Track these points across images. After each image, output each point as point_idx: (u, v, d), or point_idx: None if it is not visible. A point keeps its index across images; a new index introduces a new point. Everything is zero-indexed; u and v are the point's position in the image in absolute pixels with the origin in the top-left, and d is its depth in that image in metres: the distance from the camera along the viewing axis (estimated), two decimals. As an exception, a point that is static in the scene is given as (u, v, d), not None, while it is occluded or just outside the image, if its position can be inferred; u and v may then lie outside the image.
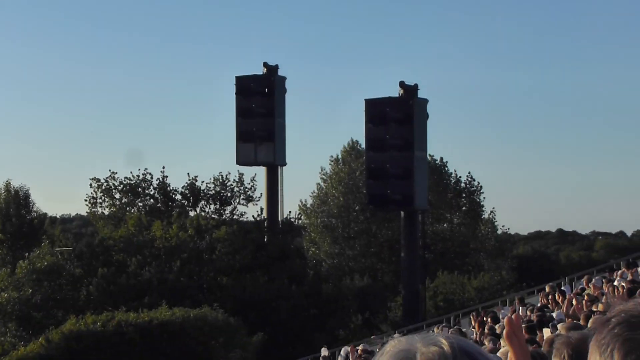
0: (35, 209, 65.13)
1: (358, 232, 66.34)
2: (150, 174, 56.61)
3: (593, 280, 25.12)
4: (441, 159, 67.87)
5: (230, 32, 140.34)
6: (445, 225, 68.20)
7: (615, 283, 22.79)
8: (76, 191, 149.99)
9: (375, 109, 48.31)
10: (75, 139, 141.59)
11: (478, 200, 68.66)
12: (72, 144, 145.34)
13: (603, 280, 24.61)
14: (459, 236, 66.85)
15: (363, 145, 57.82)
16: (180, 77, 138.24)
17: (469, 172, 68.86)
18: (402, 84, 48.26)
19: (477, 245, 67.58)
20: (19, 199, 63.54)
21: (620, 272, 25.92)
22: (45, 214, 66.53)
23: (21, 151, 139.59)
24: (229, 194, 56.28)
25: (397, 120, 48.02)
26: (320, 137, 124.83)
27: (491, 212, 69.70)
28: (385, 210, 56.87)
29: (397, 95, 48.57)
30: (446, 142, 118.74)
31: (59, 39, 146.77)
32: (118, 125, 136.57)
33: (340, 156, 69.08)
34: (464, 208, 68.41)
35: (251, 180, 56.52)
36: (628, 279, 22.54)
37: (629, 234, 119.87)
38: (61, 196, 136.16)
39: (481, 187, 68.45)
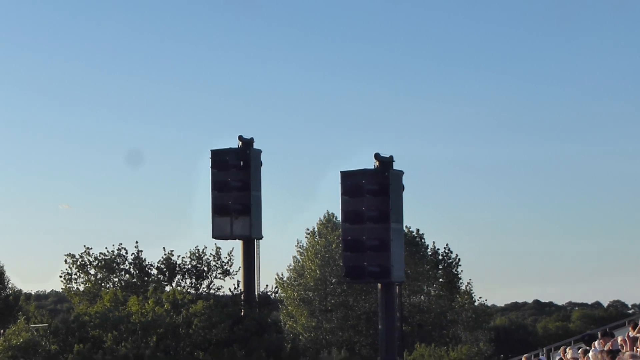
0: (10, 285, 64.93)
1: (335, 304, 66.38)
2: (125, 249, 56.48)
3: (570, 351, 25.36)
4: (417, 230, 68.39)
5: (206, 106, 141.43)
6: (422, 297, 68.36)
7: (591, 354, 23.06)
8: (51, 268, 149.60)
9: (351, 181, 48.32)
10: (51, 215, 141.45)
11: (455, 272, 68.95)
12: (47, 220, 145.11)
13: (579, 351, 24.86)
14: (436, 308, 66.98)
15: (339, 218, 58.17)
16: (156, 152, 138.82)
17: (447, 244, 69.32)
18: (377, 156, 48.29)
19: (454, 317, 67.70)
20: None
21: (596, 342, 26.18)
22: (20, 290, 66.33)
23: None
24: (205, 268, 55.99)
25: (372, 192, 48.00)
26: (296, 210, 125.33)
27: (468, 283, 70.12)
28: (362, 283, 57.13)
29: (373, 167, 48.90)
30: (423, 214, 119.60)
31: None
32: (94, 201, 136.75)
33: (316, 229, 69.32)
34: (441, 280, 68.67)
35: (228, 254, 56.23)
36: (605, 349, 22.80)
37: (605, 304, 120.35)
38: (36, 273, 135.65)
39: (459, 259, 68.90)
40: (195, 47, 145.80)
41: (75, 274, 56.83)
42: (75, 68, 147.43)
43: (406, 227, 63.04)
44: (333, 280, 66.39)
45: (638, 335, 20.44)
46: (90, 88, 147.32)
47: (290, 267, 69.31)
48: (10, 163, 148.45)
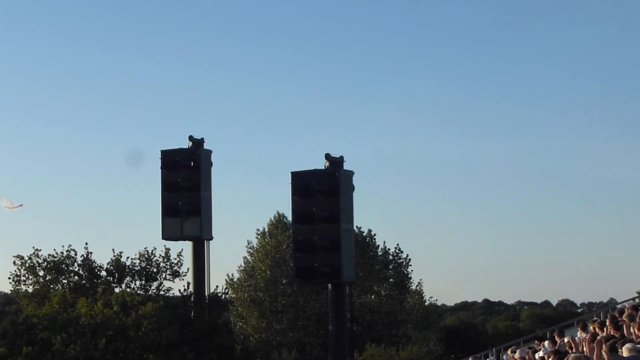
0: (-45, 287, 64.35)
1: (285, 305, 66.57)
2: (74, 250, 56.33)
3: (518, 351, 25.89)
4: (369, 231, 68.79)
5: (156, 106, 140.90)
6: (372, 297, 68.79)
7: (540, 354, 23.60)
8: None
9: (301, 182, 48.98)
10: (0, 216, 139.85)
11: (405, 272, 69.43)
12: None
13: (528, 351, 25.41)
14: (387, 308, 67.46)
15: (289, 218, 58.38)
16: (105, 151, 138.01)
17: (397, 244, 69.75)
18: (327, 156, 49.01)
19: (404, 317, 68.21)
20: None
21: (545, 342, 26.74)
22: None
23: None
24: (154, 270, 55.92)
25: (323, 192, 48.64)
26: (246, 211, 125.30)
27: (418, 283, 70.71)
28: (313, 283, 57.27)
29: (323, 168, 49.40)
30: (373, 214, 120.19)
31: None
32: (43, 200, 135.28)
33: (266, 229, 69.42)
34: (391, 280, 69.11)
35: (177, 255, 56.24)
36: (553, 349, 23.30)
37: (554, 303, 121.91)
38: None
39: (409, 259, 69.40)
40: (145, 44, 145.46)
41: (24, 276, 56.63)
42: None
43: (357, 227, 63.37)
44: (284, 281, 66.54)
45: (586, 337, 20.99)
46: (37, 83, 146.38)
47: (241, 268, 69.35)
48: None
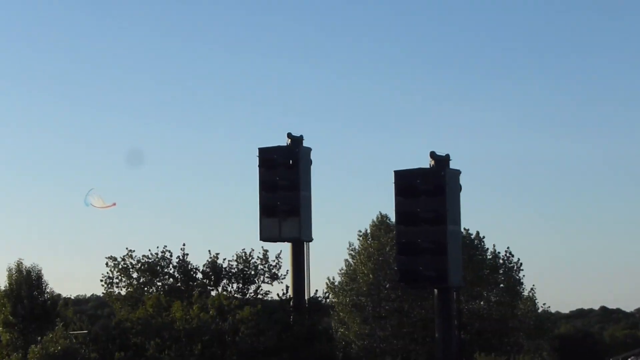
0: (48, 290, 65.26)
1: (389, 311, 65.92)
2: (169, 251, 56.47)
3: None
4: (477, 233, 67.70)
5: (254, 102, 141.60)
6: (481, 303, 67.74)
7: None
8: (92, 271, 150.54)
9: (405, 181, 48.47)
10: (91, 217, 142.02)
11: (517, 277, 68.22)
12: (88, 222, 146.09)
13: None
14: (497, 315, 66.38)
15: (393, 219, 57.75)
16: (202, 151, 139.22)
17: (508, 248, 68.48)
18: (432, 155, 48.43)
19: (516, 325, 66.99)
20: (31, 280, 63.66)
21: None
22: (59, 295, 66.53)
23: (33, 230, 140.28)
24: (252, 272, 55.92)
25: (428, 192, 48.05)
26: (347, 211, 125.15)
27: (531, 289, 69.37)
28: (418, 288, 56.40)
29: (428, 167, 48.69)
30: (482, 216, 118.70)
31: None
32: (137, 199, 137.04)
33: (369, 231, 68.84)
34: (501, 285, 67.97)
35: (276, 257, 56.06)
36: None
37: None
38: (76, 277, 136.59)
39: (520, 263, 68.06)
40: (243, 39, 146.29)
41: (117, 278, 57.02)
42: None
43: (464, 229, 62.42)
44: (387, 285, 65.86)
45: None
46: (137, 89, 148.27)
47: (342, 271, 68.94)
48: (50, 161, 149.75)
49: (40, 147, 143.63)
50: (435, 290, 49.33)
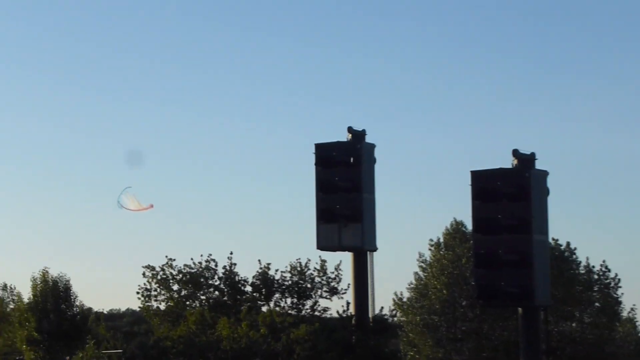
0: (77, 303, 66.09)
1: (466, 332, 65.88)
2: (214, 261, 56.78)
3: None
4: (567, 244, 67.37)
5: (309, 93, 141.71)
6: (573, 324, 67.43)
7: None
8: (127, 282, 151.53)
9: (484, 183, 48.20)
10: (126, 220, 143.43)
11: (614, 295, 67.82)
12: (122, 226, 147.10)
13: None
14: (592, 338, 66.04)
15: (469, 227, 57.59)
16: (251, 147, 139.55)
17: (603, 261, 67.97)
18: (515, 153, 48.23)
19: (613, 350, 66.66)
20: (58, 291, 64.51)
21: None
22: (90, 308, 67.78)
23: (60, 235, 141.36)
24: (308, 285, 56.07)
25: (510, 196, 47.71)
26: (417, 217, 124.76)
27: (631, 309, 69.13)
28: (498, 306, 56.27)
29: (511, 166, 48.50)
30: (573, 224, 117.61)
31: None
32: (177, 200, 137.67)
33: (441, 240, 68.86)
34: (596, 304, 67.61)
35: (335, 268, 56.14)
36: None
37: None
38: (108, 288, 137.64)
39: (619, 279, 67.61)
40: (297, 29, 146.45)
41: (155, 290, 57.34)
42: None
43: (552, 239, 62.16)
44: (463, 303, 65.86)
45: None
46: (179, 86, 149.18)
47: (411, 286, 68.95)
48: (79, 160, 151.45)
49: (68, 145, 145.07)
50: (520, 310, 49.11)
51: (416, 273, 69.36)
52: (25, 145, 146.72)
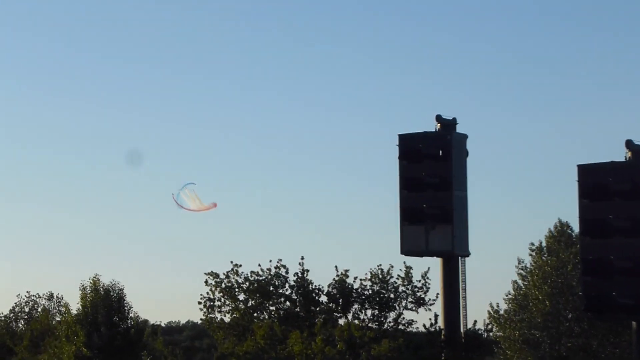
0: (131, 314, 66.61)
1: (572, 349, 65.70)
2: (285, 267, 56.99)
3: None
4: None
5: (392, 77, 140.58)
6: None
7: None
8: (187, 291, 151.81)
9: (592, 179, 48.28)
10: (185, 221, 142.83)
11: None
12: (181, 227, 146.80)
13: None
14: None
15: (576, 229, 57.56)
16: (323, 137, 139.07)
17: None
18: (629, 144, 48.33)
19: None
20: (110, 302, 64.89)
21: None
22: (146, 321, 67.94)
23: (112, 238, 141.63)
24: (391, 295, 55.90)
25: (624, 194, 47.70)
26: (515, 217, 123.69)
27: None
28: (610, 320, 56.24)
29: (624, 160, 48.47)
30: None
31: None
32: (242, 198, 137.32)
33: (544, 244, 68.66)
34: None
35: (422, 276, 55.68)
36: None
37: None
38: (166, 297, 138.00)
39: None
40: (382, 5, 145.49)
41: (219, 300, 57.59)
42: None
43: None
44: (569, 316, 65.70)
45: None
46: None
47: (509, 297, 68.85)
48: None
49: (124, 143, 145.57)
50: (634, 324, 49.11)
51: (515, 282, 69.31)
52: (77, 136, 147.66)
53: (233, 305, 57.16)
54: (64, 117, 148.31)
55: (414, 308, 56.20)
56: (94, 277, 64.93)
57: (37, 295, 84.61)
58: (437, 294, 54.81)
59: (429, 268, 55.79)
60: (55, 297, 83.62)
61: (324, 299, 56.63)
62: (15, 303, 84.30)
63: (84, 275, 74.33)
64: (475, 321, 55.55)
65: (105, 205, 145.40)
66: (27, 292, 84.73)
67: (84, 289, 65.17)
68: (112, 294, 64.63)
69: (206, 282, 57.65)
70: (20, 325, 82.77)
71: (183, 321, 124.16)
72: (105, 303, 64.85)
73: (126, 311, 65.84)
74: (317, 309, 56.45)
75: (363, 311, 56.16)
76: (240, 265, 57.42)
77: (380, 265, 56.55)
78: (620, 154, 48.74)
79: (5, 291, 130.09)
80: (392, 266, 56.41)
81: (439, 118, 54.26)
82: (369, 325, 55.01)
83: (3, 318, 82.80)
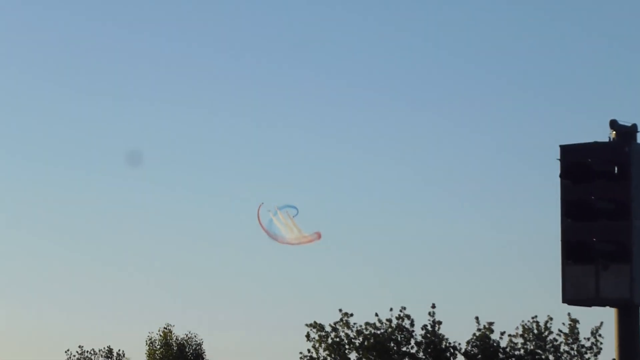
0: (212, 372, 67.84)
1: None
2: (409, 317, 59.61)
3: None
4: None
5: (549, 73, 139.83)
6: None
7: None
8: (283, 345, 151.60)
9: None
10: (279, 254, 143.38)
11: None
12: (271, 262, 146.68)
13: None
14: None
15: None
16: (460, 149, 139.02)
17: None
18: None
19: None
20: (185, 358, 66.05)
21: None
22: (231, 380, 69.13)
23: (186, 281, 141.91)
24: (550, 357, 57.86)
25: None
26: None
27: None
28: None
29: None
30: None
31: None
32: (347, 236, 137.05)
33: None
34: None
35: (592, 333, 58.04)
36: None
37: None
38: (256, 354, 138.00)
39: None
40: None
41: (325, 359, 60.02)
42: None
43: None
44: None
45: None
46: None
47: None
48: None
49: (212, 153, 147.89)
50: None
51: None
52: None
53: (343, 365, 52.22)
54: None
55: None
56: (165, 329, 66.58)
57: (92, 352, 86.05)
58: (613, 357, 53.45)
59: (602, 323, 59.10)
60: (115, 354, 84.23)
61: (461, 359, 59.18)
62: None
63: (151, 326, 74.93)
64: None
65: (171, 240, 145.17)
66: (80, 346, 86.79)
67: (151, 342, 67.20)
68: (187, 349, 66.09)
69: (308, 335, 60.71)
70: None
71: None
72: (179, 358, 66.37)
73: (205, 369, 67.31)
74: (450, 371, 53.26)
75: (513, 376, 53.10)
76: (352, 315, 60.88)
77: (536, 317, 59.79)
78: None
79: (54, 344, 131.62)
80: (551, 318, 59.45)
81: (613, 124, 52.20)
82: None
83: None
